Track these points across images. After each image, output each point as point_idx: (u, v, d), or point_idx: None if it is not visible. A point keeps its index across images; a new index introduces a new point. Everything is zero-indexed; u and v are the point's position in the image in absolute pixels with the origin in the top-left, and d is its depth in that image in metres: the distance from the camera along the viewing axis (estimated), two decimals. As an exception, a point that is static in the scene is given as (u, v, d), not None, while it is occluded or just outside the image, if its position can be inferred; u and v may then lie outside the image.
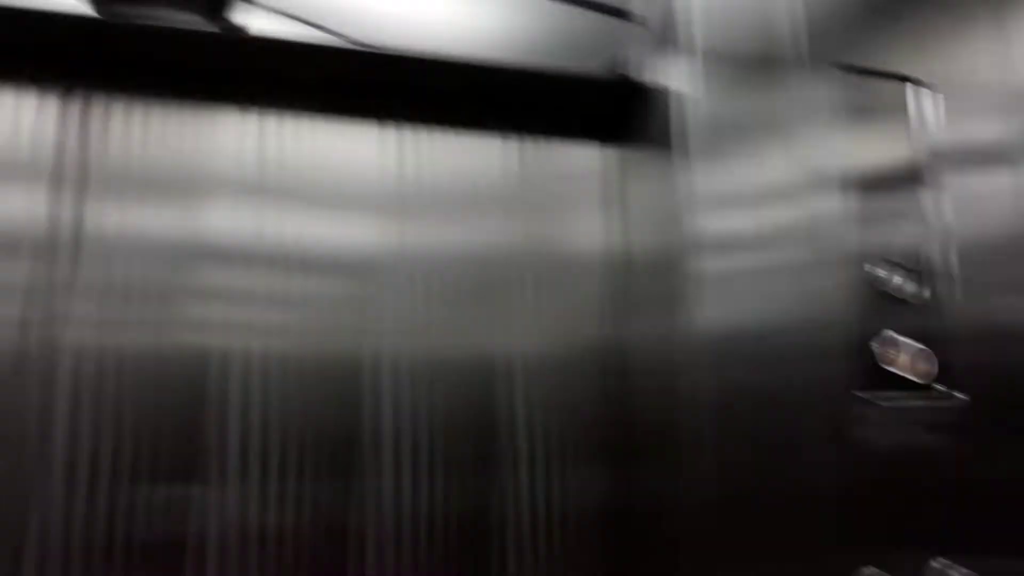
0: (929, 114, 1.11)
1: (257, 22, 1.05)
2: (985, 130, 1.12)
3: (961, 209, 1.08)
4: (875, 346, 1.02)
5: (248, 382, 1.08)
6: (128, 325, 1.05)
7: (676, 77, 1.06)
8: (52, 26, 0.99)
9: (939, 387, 1.03)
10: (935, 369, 1.03)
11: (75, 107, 1.08)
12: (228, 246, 1.10)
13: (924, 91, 1.11)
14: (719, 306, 0.98)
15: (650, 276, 1.15)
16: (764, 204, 1.03)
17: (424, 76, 1.16)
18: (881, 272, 1.05)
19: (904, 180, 1.09)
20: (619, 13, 1.19)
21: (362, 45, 1.09)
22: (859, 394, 1.00)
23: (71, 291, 1.04)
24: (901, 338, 1.03)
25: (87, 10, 0.94)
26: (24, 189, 1.04)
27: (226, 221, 1.11)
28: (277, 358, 1.09)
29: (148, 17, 0.98)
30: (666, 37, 1.12)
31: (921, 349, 1.03)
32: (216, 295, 1.09)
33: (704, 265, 0.99)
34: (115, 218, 1.07)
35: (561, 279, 1.22)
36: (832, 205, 1.04)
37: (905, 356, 1.03)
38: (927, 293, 1.06)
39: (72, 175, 1.06)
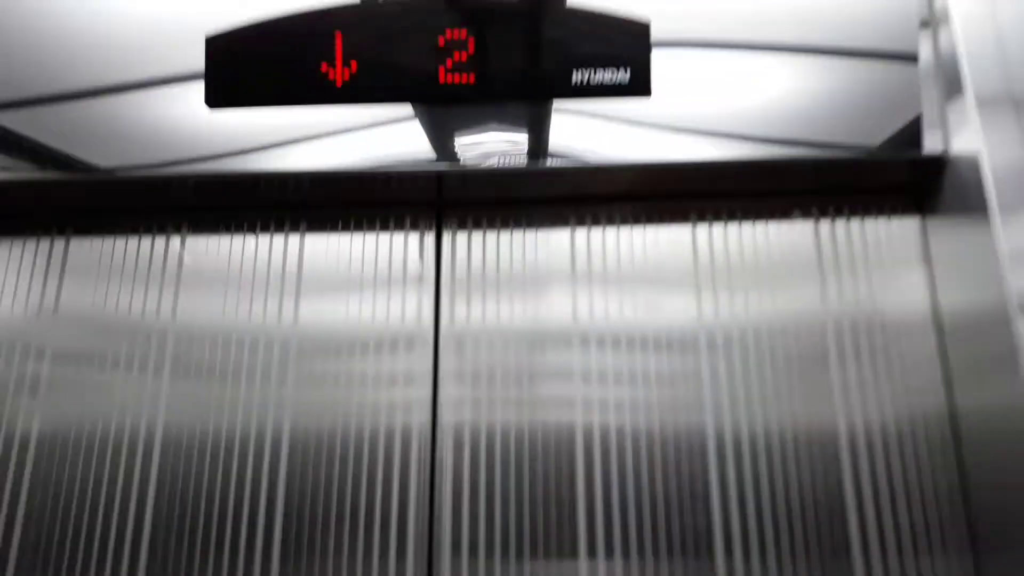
0: None
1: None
2: None
3: None
4: None
5: (602, 456, 1.16)
6: (495, 404, 1.18)
7: (972, 133, 1.08)
8: (428, 181, 1.23)
9: None
10: None
11: (433, 230, 1.29)
12: (570, 331, 1.22)
13: None
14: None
15: (975, 340, 1.10)
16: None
17: (729, 180, 1.24)
18: None
19: None
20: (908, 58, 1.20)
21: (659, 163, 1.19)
22: None
23: (448, 377, 1.20)
24: None
25: (446, 167, 1.19)
26: (409, 296, 1.25)
27: (566, 309, 1.23)
28: (630, 434, 1.17)
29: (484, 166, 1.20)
30: (955, 87, 1.14)
31: None
32: (565, 375, 1.20)
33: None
34: (476, 312, 1.24)
35: (883, 348, 1.20)
36: None
37: None
38: None
39: (448, 284, 1.26)
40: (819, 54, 1.19)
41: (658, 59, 1.19)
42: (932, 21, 1.20)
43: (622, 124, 1.18)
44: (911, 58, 1.18)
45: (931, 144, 1.15)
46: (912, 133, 1.16)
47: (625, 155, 1.17)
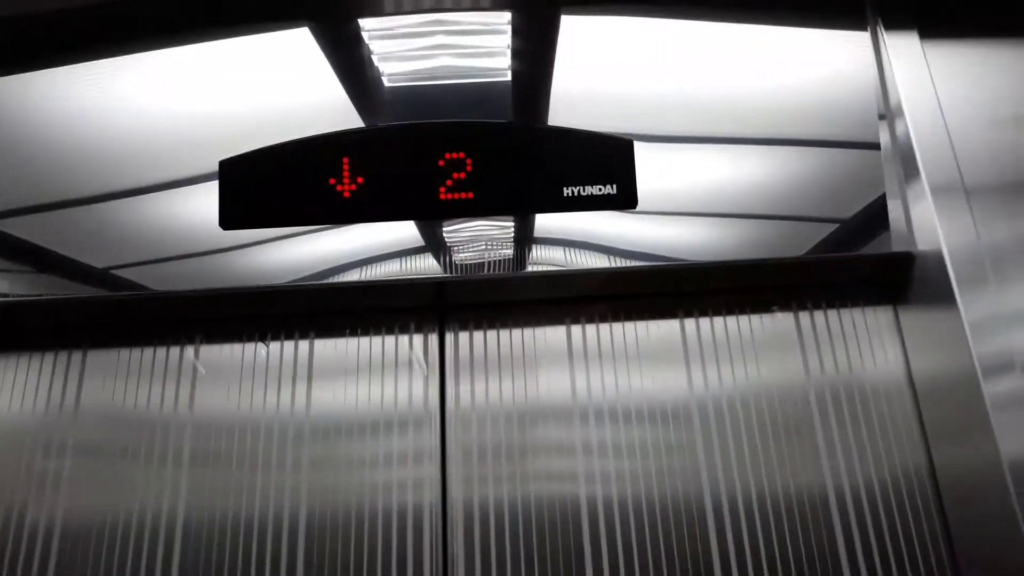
0: None
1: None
2: None
3: None
4: None
5: (606, 525, 1.22)
6: (501, 480, 1.25)
7: (933, 229, 1.21)
8: (430, 288, 1.32)
9: None
10: None
11: (436, 332, 1.37)
12: (570, 408, 1.30)
13: None
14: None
15: (948, 404, 1.20)
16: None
17: (713, 279, 1.33)
18: None
19: None
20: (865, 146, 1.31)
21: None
22: None
23: (453, 455, 1.27)
24: None
25: (447, 275, 1.28)
26: (416, 384, 1.33)
27: (565, 388, 1.31)
28: (631, 502, 1.24)
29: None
30: (913, 173, 1.26)
31: None
32: (567, 449, 1.27)
33: (999, 388, 1.09)
34: (480, 396, 1.31)
35: (863, 413, 1.28)
36: None
37: None
38: None
39: (452, 374, 1.33)
40: (790, 145, 1.30)
41: (640, 153, 1.29)
42: (888, 114, 1.31)
43: (609, 226, 1.27)
44: (874, 146, 1.29)
45: (897, 236, 1.25)
46: (878, 213, 1.26)
47: (612, 258, 1.26)
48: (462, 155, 1.27)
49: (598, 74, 1.33)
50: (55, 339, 1.35)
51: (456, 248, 1.27)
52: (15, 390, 1.31)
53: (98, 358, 1.33)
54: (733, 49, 1.34)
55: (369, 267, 1.26)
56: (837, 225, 1.26)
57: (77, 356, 1.34)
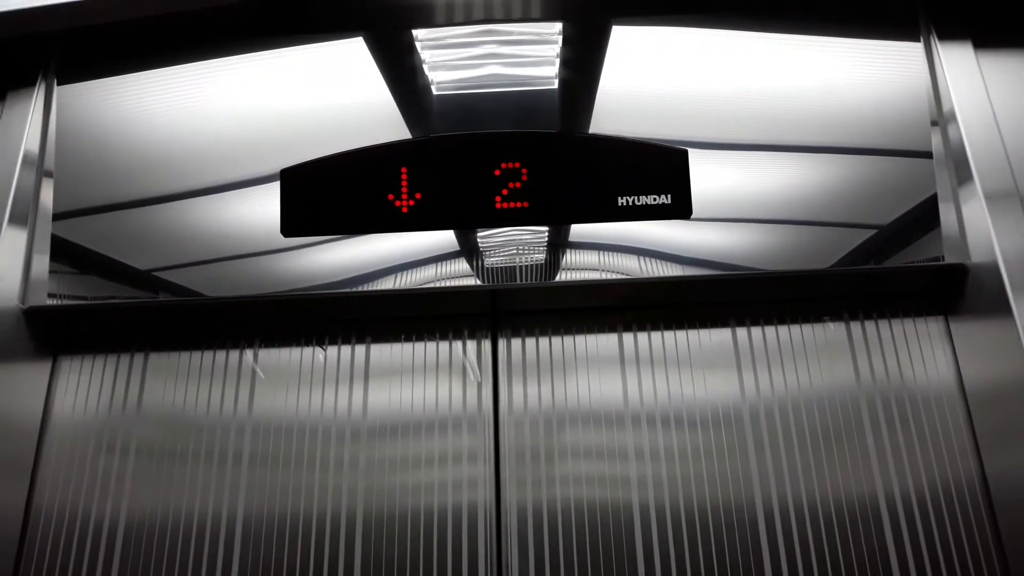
0: None
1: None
2: None
3: None
4: None
5: (658, 529, 1.23)
6: (555, 482, 1.27)
7: (989, 240, 1.20)
8: (483, 296, 1.35)
9: None
10: None
11: (489, 338, 1.39)
12: (622, 412, 1.32)
13: None
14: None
15: (999, 412, 1.20)
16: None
17: (765, 290, 1.35)
18: None
19: None
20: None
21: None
22: None
23: (506, 457, 1.29)
24: None
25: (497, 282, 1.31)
26: (470, 388, 1.35)
27: (617, 394, 1.33)
28: (683, 507, 1.25)
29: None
30: (966, 181, 1.26)
31: None
32: (615, 453, 1.29)
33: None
34: (532, 399, 1.33)
35: (914, 419, 1.28)
36: None
37: None
38: None
39: (505, 378, 1.36)
40: (840, 153, 1.30)
41: (697, 162, 1.30)
42: (941, 123, 1.31)
43: (662, 235, 1.29)
44: (926, 155, 1.29)
45: (949, 244, 1.26)
46: (930, 222, 1.27)
47: (664, 265, 1.27)
48: (518, 164, 1.29)
49: (649, 83, 1.35)
50: (118, 342, 1.38)
51: (510, 256, 1.30)
52: (79, 391, 1.35)
53: (159, 361, 1.37)
54: (785, 59, 1.35)
55: (423, 273, 1.29)
56: (888, 234, 1.26)
57: (139, 359, 1.37)
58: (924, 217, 1.27)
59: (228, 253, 1.30)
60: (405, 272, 1.29)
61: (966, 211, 1.26)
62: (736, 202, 1.29)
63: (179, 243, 1.31)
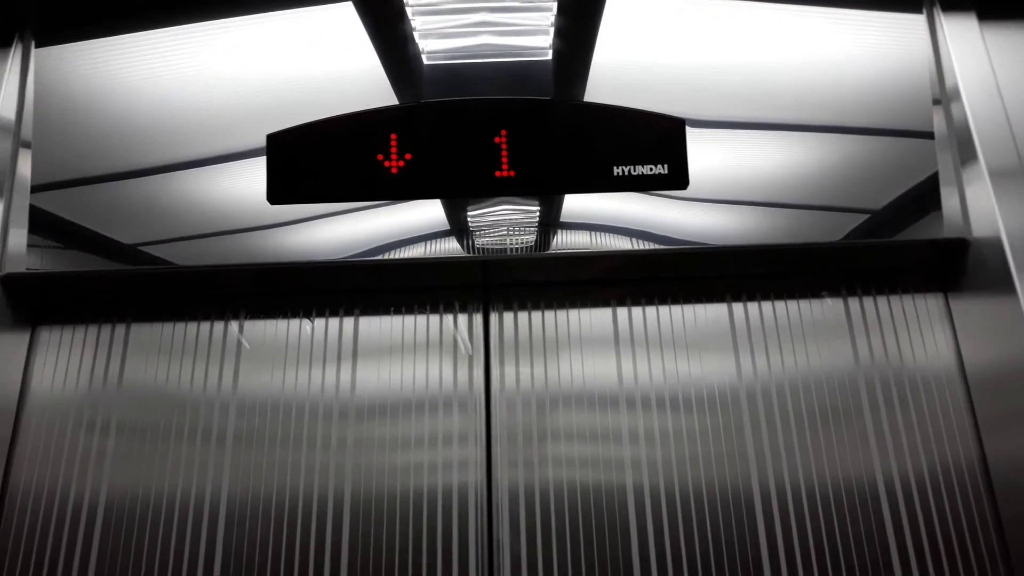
0: None
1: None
2: None
3: None
4: None
5: (653, 510, 1.21)
6: (547, 463, 1.25)
7: (991, 215, 1.18)
8: (474, 267, 1.32)
9: None
10: None
11: (480, 312, 1.36)
12: (616, 393, 1.29)
13: None
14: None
15: (1000, 394, 1.18)
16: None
17: (761, 263, 1.32)
18: None
19: None
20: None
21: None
22: None
23: (498, 436, 1.27)
24: None
25: (492, 255, 1.28)
26: (461, 364, 1.32)
27: (611, 373, 1.30)
28: (678, 488, 1.22)
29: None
30: (970, 159, 1.24)
31: None
32: (609, 433, 1.26)
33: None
34: (525, 378, 1.31)
35: (913, 400, 1.26)
36: None
37: None
38: None
39: (497, 354, 1.33)
40: (839, 132, 1.28)
41: (692, 139, 1.27)
42: (944, 99, 1.29)
43: (658, 207, 1.26)
44: (927, 132, 1.27)
45: (950, 222, 1.23)
46: (931, 199, 1.25)
47: (659, 239, 1.25)
48: (512, 132, 1.26)
49: (645, 55, 1.31)
50: (99, 312, 1.35)
51: (502, 227, 1.27)
52: (59, 363, 1.31)
53: (142, 333, 1.33)
54: (783, 30, 1.32)
55: (413, 251, 1.26)
56: (888, 211, 1.24)
57: (121, 330, 1.34)
58: (924, 196, 1.25)
59: (214, 228, 1.26)
60: (394, 251, 1.26)
61: (969, 189, 1.23)
62: (732, 180, 1.26)
63: (164, 217, 1.27)
